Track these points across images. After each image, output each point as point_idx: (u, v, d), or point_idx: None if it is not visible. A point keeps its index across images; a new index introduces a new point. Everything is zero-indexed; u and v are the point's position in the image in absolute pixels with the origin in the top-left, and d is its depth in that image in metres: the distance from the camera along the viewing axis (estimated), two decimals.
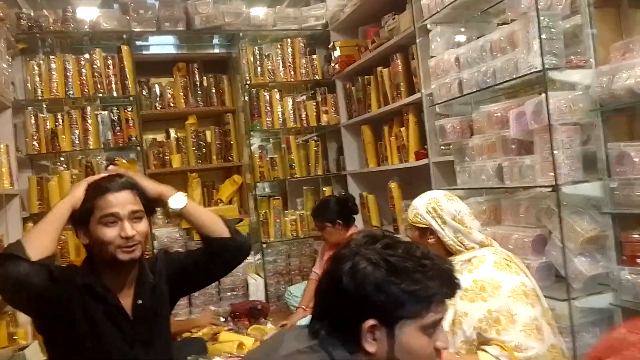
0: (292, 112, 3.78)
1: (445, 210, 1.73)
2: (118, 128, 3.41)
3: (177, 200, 1.59)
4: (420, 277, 0.93)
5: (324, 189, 3.98)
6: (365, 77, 3.44)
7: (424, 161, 2.75)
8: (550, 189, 1.78)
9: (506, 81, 1.88)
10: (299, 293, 3.23)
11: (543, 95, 1.71)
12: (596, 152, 1.75)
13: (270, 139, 4.25)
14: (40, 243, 1.37)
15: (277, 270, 3.83)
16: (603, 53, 1.76)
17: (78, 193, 1.45)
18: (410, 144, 2.99)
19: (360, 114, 3.55)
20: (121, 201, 1.43)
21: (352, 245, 0.98)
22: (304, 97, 3.97)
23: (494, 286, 1.63)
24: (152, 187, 1.57)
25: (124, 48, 3.44)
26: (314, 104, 3.84)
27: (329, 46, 3.80)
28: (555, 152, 1.68)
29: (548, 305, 1.69)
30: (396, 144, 3.16)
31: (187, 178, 3.80)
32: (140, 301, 1.49)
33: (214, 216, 1.62)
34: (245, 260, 1.81)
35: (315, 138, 3.98)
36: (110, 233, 1.41)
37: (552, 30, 1.70)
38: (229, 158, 3.87)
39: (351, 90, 3.67)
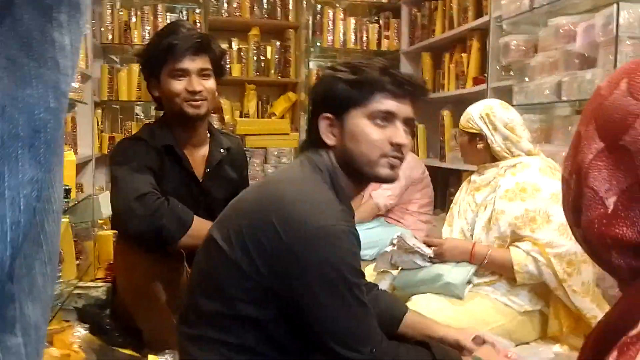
0: (353, 34, 3.80)
1: (498, 117, 1.78)
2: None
3: None
4: (361, 68, 1.06)
5: None
6: (432, 1, 3.40)
7: (481, 87, 2.76)
8: None
9: None
10: None
11: (615, 5, 1.69)
12: None
13: (329, 62, 4.30)
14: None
15: None
16: None
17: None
18: (469, 71, 2.99)
19: (422, 40, 3.54)
20: (192, 57, 1.48)
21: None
22: (368, 19, 3.97)
23: (535, 188, 1.70)
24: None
25: None
26: (377, 27, 3.84)
27: None
28: (618, 64, 1.67)
29: None
30: (455, 71, 3.16)
31: (244, 89, 3.94)
32: (208, 170, 1.59)
33: None
34: None
35: None
36: (178, 86, 1.48)
37: None
38: (286, 74, 3.96)
39: (416, 15, 3.64)
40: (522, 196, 1.70)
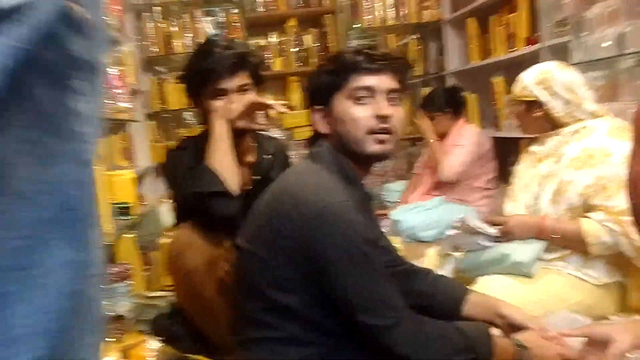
0: (392, 9, 3.67)
1: (556, 80, 1.66)
2: (226, 31, 3.56)
3: None
4: (337, 56, 1.15)
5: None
6: None
7: (535, 47, 2.58)
8: None
9: None
10: (399, 188, 3.29)
11: None
12: None
13: (370, 41, 4.19)
14: (235, 173, 1.42)
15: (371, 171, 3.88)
16: None
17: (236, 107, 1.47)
18: (519, 32, 2.81)
19: (465, 5, 3.36)
20: (231, 77, 1.50)
21: None
22: None
23: (605, 153, 1.57)
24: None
25: None
26: None
27: None
28: None
29: None
30: (504, 33, 2.99)
31: (286, 82, 3.92)
32: (257, 177, 1.58)
33: None
34: None
35: (414, 37, 3.87)
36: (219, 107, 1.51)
37: None
38: None
39: None
40: (591, 162, 1.58)
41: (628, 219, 1.50)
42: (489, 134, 3.26)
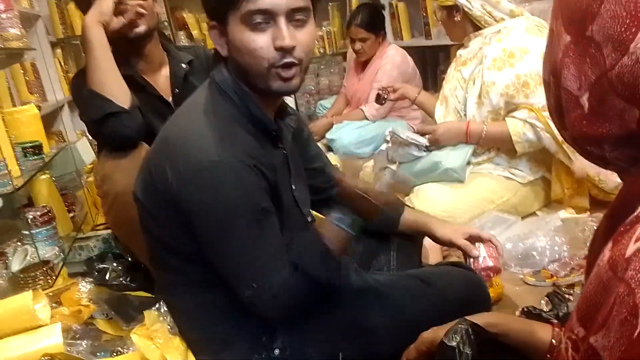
0: None
1: None
2: None
3: None
4: None
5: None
6: None
7: None
8: None
9: None
10: (330, 105, 3.26)
11: None
12: None
13: None
14: (121, 88, 1.29)
15: (306, 90, 3.82)
16: None
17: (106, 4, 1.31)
18: None
19: None
20: None
21: None
22: None
23: (524, 51, 1.59)
24: None
25: None
26: None
27: None
28: None
29: None
30: None
31: None
32: (177, 90, 1.48)
33: None
34: None
35: None
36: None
37: None
38: None
39: None
40: (511, 62, 1.60)
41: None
42: (420, 43, 3.23)
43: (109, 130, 1.28)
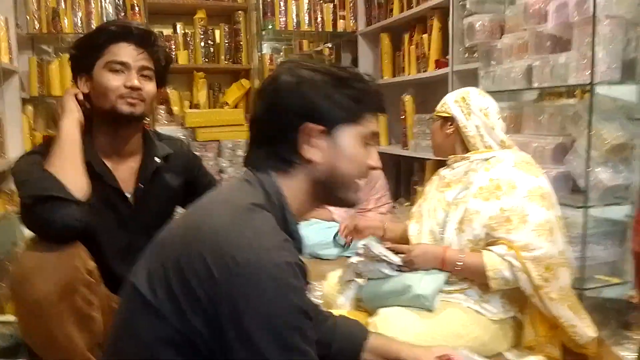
0: (307, 13, 3.56)
1: (473, 101, 1.68)
2: (123, 14, 3.22)
3: None
4: (356, 84, 0.92)
5: None
6: None
7: (444, 70, 2.60)
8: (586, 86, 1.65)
9: None
10: None
11: None
12: (637, 55, 1.61)
13: (283, 46, 4.06)
14: (79, 178, 1.19)
15: None
16: None
17: (74, 107, 1.30)
18: (431, 53, 2.82)
19: (380, 20, 3.35)
20: (136, 50, 1.32)
21: (284, 63, 0.97)
22: None
23: (511, 185, 1.56)
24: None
25: None
26: (332, 7, 3.61)
27: None
28: (596, 46, 1.53)
29: (562, 214, 1.62)
30: (416, 54, 2.99)
31: (193, 77, 3.66)
32: (142, 184, 1.38)
33: None
34: None
35: (329, 46, 3.80)
36: (114, 82, 1.30)
37: None
38: (238, 60, 3.70)
39: None
40: (497, 194, 1.57)
41: (528, 254, 1.51)
42: (396, 152, 3.27)
43: (49, 214, 1.11)
